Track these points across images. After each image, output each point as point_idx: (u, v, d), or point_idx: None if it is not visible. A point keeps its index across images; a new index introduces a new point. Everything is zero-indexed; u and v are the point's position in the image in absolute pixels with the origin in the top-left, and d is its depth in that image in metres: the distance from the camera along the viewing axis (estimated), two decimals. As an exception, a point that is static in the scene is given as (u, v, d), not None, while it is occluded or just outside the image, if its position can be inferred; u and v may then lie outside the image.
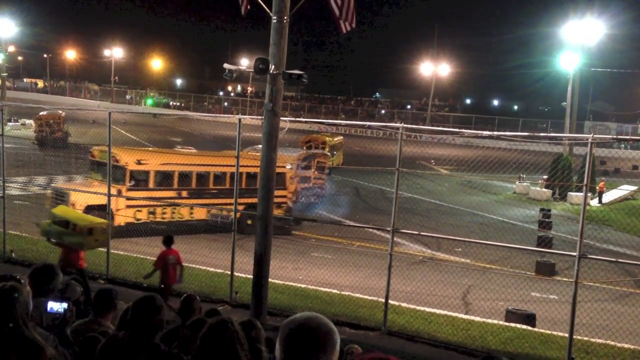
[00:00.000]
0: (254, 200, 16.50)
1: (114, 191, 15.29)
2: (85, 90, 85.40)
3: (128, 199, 15.47)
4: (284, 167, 18.16)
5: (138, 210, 15.66)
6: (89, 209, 14.86)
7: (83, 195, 14.51)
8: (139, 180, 16.17)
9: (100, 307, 4.83)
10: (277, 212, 14.51)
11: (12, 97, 57.92)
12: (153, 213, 16.03)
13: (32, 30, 73.34)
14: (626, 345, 9.31)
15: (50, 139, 27.45)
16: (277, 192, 16.84)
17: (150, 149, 18.10)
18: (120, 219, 15.55)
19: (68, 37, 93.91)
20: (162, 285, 9.79)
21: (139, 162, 16.09)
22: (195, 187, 17.33)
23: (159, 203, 16.00)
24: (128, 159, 16.07)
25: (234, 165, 17.97)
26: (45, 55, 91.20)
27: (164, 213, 16.36)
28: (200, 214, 17.11)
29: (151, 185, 16.23)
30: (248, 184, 18.16)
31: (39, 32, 79.74)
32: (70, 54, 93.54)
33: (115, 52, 79.76)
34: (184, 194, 16.97)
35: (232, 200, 16.99)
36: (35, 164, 23.32)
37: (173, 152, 20.06)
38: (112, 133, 12.12)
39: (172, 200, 16.52)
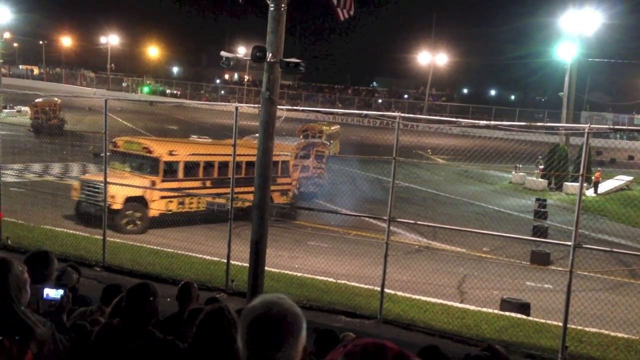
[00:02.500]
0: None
1: (147, 182, 15.80)
2: (81, 77, 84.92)
3: (167, 190, 15.67)
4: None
5: (170, 201, 15.93)
6: (128, 201, 15.09)
7: (121, 187, 14.32)
8: (171, 171, 16.27)
9: (106, 299, 4.99)
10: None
11: (8, 83, 57.55)
12: (182, 203, 16.27)
13: (28, 17, 72.77)
14: (620, 334, 9.38)
15: (46, 126, 27.26)
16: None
17: (176, 139, 18.11)
18: (155, 210, 15.74)
19: (64, 23, 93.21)
20: None
21: (171, 153, 16.17)
22: (217, 176, 17.50)
23: (186, 193, 16.11)
24: (161, 151, 16.15)
25: (249, 155, 18.22)
26: (41, 42, 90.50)
27: (191, 203, 16.58)
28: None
29: (180, 176, 16.34)
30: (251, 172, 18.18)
31: (35, 18, 79.11)
32: (66, 41, 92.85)
33: (111, 39, 79.27)
34: (208, 183, 17.13)
35: (246, 189, 17.16)
36: (31, 151, 23.27)
37: (198, 142, 20.30)
38: (108, 121, 12.06)
39: (199, 191, 16.57)
